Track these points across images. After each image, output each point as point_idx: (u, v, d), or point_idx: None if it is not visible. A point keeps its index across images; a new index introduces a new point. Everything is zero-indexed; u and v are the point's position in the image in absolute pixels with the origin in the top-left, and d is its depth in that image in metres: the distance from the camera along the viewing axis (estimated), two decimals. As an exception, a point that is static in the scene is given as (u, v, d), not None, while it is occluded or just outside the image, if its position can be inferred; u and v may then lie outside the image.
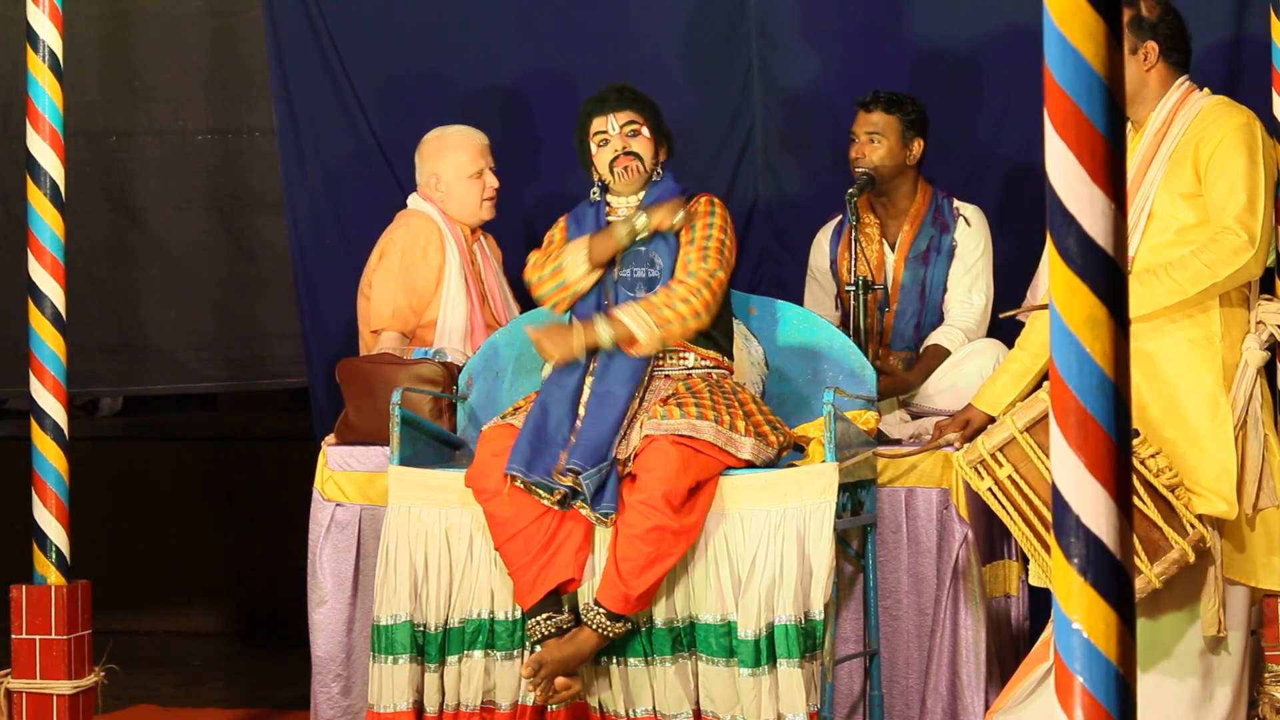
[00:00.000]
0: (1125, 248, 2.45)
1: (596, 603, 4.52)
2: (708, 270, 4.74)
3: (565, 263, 4.81)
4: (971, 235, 5.34)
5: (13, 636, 5.17)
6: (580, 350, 4.70)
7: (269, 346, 6.48)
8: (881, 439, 4.92)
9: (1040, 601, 4.79)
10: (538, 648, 4.56)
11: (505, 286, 5.62)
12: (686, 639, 4.58)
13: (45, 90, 5.14)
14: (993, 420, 4.63)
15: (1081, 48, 2.42)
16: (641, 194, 4.92)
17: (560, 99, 5.84)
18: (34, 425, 5.18)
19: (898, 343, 5.33)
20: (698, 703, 4.58)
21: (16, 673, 5.16)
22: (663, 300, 4.71)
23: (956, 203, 5.37)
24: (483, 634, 4.67)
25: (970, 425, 4.70)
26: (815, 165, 5.90)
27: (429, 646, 4.70)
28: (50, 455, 5.16)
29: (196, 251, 6.48)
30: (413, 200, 5.58)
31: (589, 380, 4.72)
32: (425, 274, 5.44)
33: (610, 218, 4.92)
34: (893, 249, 5.36)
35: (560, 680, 4.51)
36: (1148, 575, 4.24)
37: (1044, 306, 4.58)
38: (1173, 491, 4.30)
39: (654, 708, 4.59)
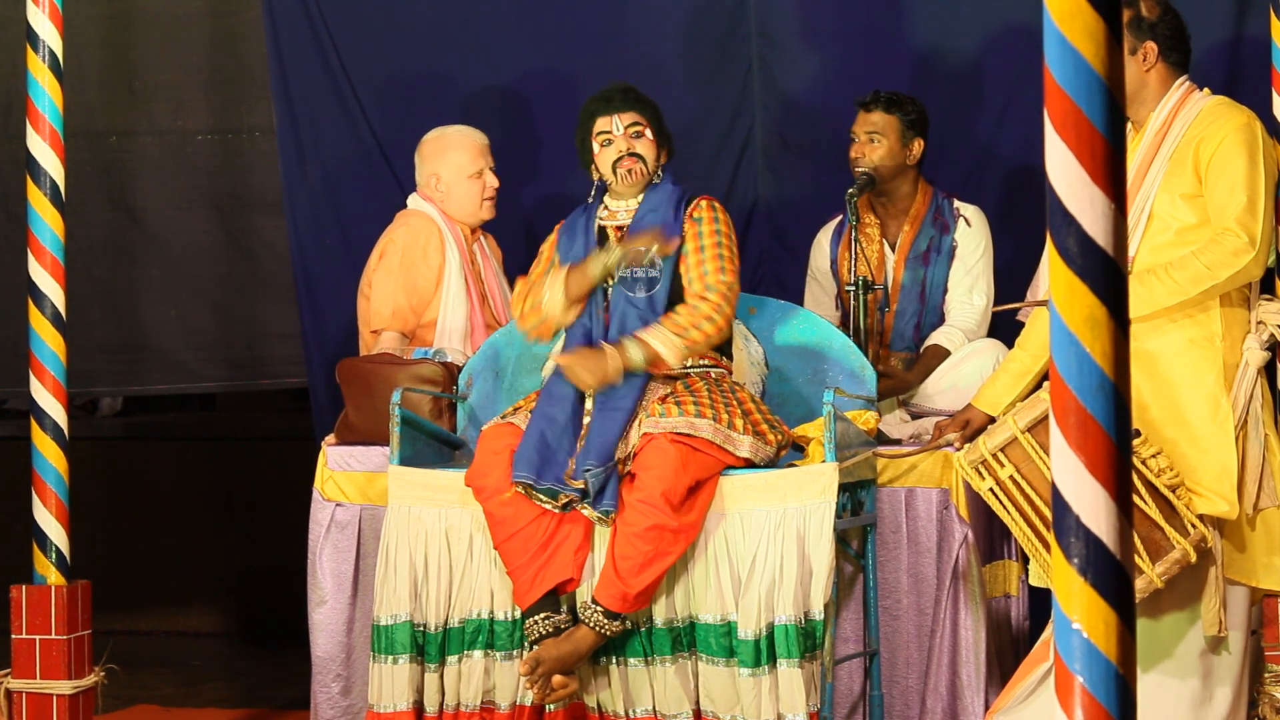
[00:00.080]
0: (1125, 248, 2.45)
1: (594, 601, 4.52)
2: (726, 284, 4.77)
3: (544, 299, 4.80)
4: (972, 236, 5.34)
5: (13, 636, 5.17)
6: (617, 376, 4.66)
7: (269, 346, 6.47)
8: (881, 439, 4.92)
9: (1040, 601, 4.79)
10: (536, 647, 4.56)
11: (505, 286, 5.62)
12: (686, 639, 4.58)
13: (45, 90, 5.14)
14: (993, 420, 4.63)
15: (1081, 48, 2.42)
16: (641, 196, 4.92)
17: (560, 99, 5.84)
18: (34, 425, 5.18)
19: (898, 343, 5.33)
20: (697, 703, 4.58)
21: (16, 673, 5.16)
22: (689, 321, 4.72)
23: (957, 203, 5.37)
24: (482, 634, 4.67)
25: (970, 425, 4.70)
26: (815, 165, 5.90)
27: (429, 646, 4.70)
28: (50, 455, 5.16)
29: (196, 251, 6.48)
30: (413, 200, 5.58)
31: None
32: (425, 274, 5.44)
33: (605, 222, 4.92)
34: (893, 249, 5.36)
35: (557, 678, 4.51)
36: (1149, 575, 4.24)
37: (1042, 303, 4.58)
38: (1174, 491, 4.30)
39: (654, 708, 4.59)
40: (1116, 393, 2.42)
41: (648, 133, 4.90)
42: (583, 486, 4.54)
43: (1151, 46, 4.50)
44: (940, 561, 4.74)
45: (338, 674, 5.04)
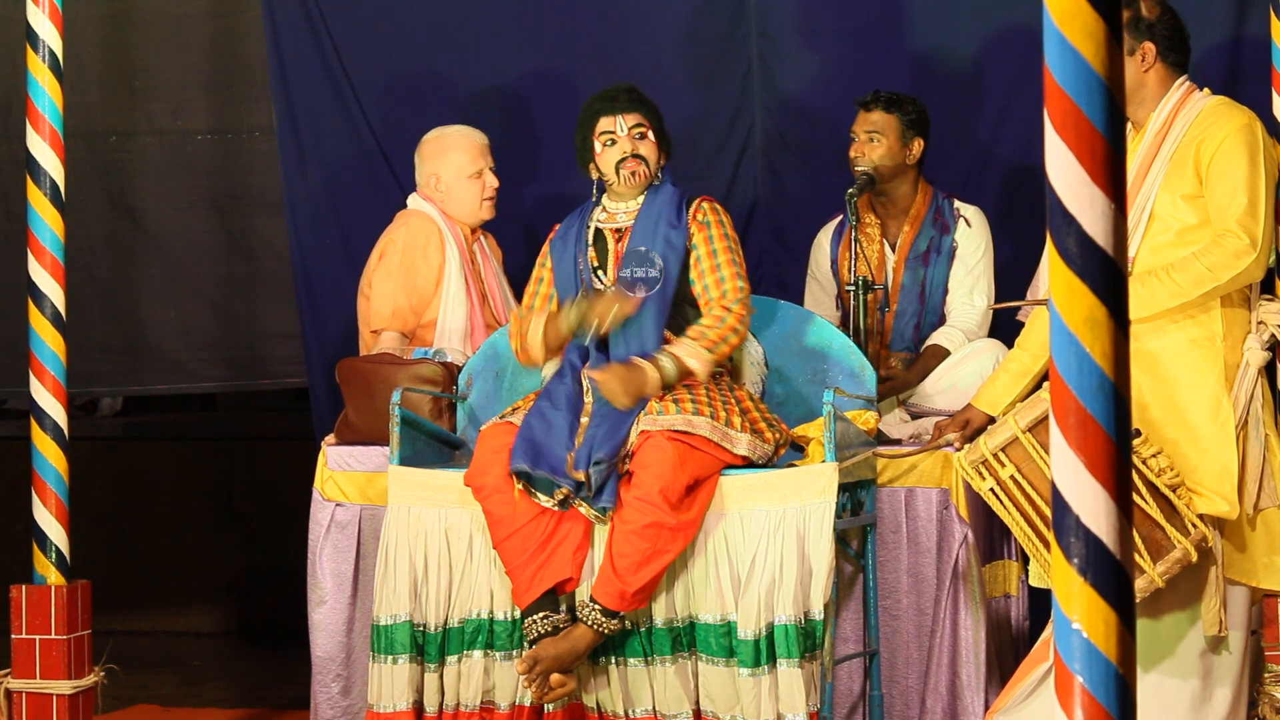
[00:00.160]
0: (1125, 248, 2.45)
1: (592, 599, 4.52)
2: (745, 291, 4.82)
3: (528, 342, 4.83)
4: (972, 236, 5.33)
5: (13, 636, 5.17)
6: (655, 392, 4.67)
7: (269, 346, 6.47)
8: (881, 439, 4.92)
9: (1040, 601, 4.79)
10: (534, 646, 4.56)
11: (505, 286, 5.62)
12: (686, 639, 4.58)
13: (45, 90, 5.14)
14: (992, 420, 4.63)
15: (1081, 48, 2.42)
16: (641, 198, 4.92)
17: (560, 99, 5.84)
18: (34, 425, 5.18)
19: (898, 343, 5.33)
20: (697, 703, 4.58)
21: (16, 673, 5.16)
22: (718, 335, 4.75)
23: (957, 204, 5.37)
24: (482, 634, 4.67)
25: (970, 425, 4.70)
26: (815, 165, 5.90)
27: (428, 646, 4.70)
28: (50, 455, 5.16)
29: (196, 251, 6.48)
30: (413, 200, 5.58)
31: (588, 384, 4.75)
32: (425, 274, 5.44)
33: (603, 224, 4.92)
34: (893, 249, 5.36)
35: (555, 677, 4.50)
36: (1150, 575, 4.24)
37: (1042, 302, 4.58)
38: (1174, 491, 4.30)
39: (654, 708, 4.59)
40: (1116, 393, 2.42)
41: (650, 134, 4.90)
42: (583, 478, 4.52)
43: (1150, 47, 4.50)
44: (940, 561, 4.74)
45: (338, 674, 5.04)
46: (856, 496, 4.71)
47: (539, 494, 4.57)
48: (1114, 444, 2.42)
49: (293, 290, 6.18)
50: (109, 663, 5.27)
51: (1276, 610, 4.59)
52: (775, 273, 5.94)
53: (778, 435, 4.71)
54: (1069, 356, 2.43)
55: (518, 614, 4.63)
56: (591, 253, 4.90)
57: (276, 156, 6.17)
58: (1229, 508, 4.40)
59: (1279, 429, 4.52)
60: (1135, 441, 4.24)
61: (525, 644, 4.60)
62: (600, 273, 4.89)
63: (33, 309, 5.16)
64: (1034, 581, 4.70)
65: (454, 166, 5.51)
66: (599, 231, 4.93)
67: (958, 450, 4.62)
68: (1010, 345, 4.82)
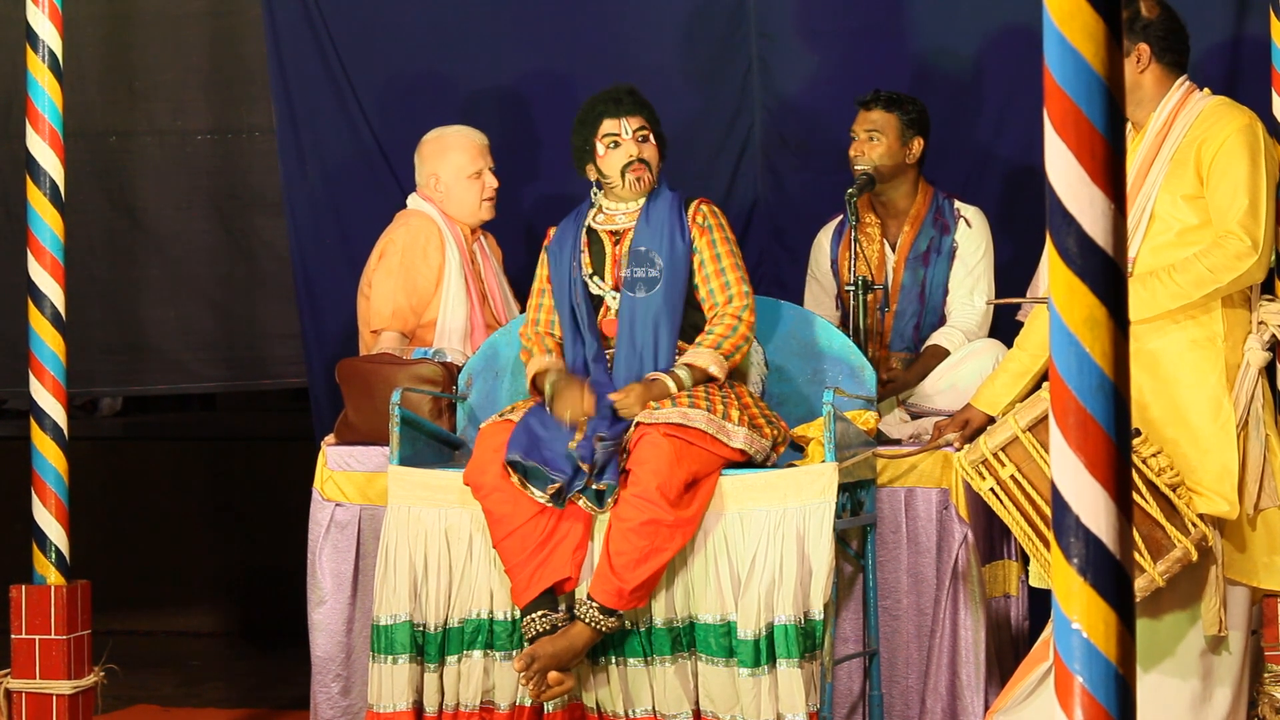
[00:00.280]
0: (1125, 248, 2.45)
1: (590, 597, 4.52)
2: (750, 296, 4.84)
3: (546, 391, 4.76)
4: (972, 237, 5.33)
5: (12, 636, 5.17)
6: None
7: (269, 346, 6.47)
8: (881, 439, 4.92)
9: (1040, 601, 4.79)
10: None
11: (505, 286, 5.62)
12: (686, 639, 4.58)
13: (45, 90, 5.14)
14: (992, 420, 4.63)
15: (1081, 48, 2.42)
16: (641, 200, 4.92)
17: (560, 99, 5.84)
18: (34, 425, 5.18)
19: (897, 343, 5.33)
20: (697, 703, 4.58)
21: (16, 673, 5.16)
22: (730, 344, 4.78)
23: (957, 204, 5.37)
24: (482, 634, 4.67)
25: (970, 425, 4.70)
26: (815, 165, 5.90)
27: (428, 646, 4.70)
28: (50, 455, 5.16)
29: (196, 251, 6.48)
30: (412, 200, 5.58)
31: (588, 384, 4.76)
32: (425, 274, 5.44)
33: (601, 226, 4.92)
34: (893, 249, 5.36)
35: (553, 675, 4.50)
36: (1151, 574, 4.24)
37: (1042, 300, 4.58)
38: (1174, 490, 4.30)
39: (653, 708, 4.59)
40: (1116, 393, 2.42)
41: (652, 137, 4.90)
42: (586, 468, 4.51)
43: (1144, 48, 4.49)
44: (940, 561, 4.74)
45: (337, 674, 5.04)
46: (856, 496, 4.71)
47: (532, 488, 4.56)
48: (1114, 444, 2.42)
49: (293, 290, 6.18)
50: (109, 663, 5.27)
51: (1276, 610, 4.59)
52: (775, 273, 5.94)
53: (776, 432, 4.71)
54: (1069, 356, 2.43)
55: (517, 614, 4.63)
56: (586, 258, 4.90)
57: (276, 156, 6.18)
58: (1229, 508, 4.40)
59: (1279, 429, 4.53)
60: (1135, 441, 4.24)
61: (524, 643, 4.59)
62: (596, 278, 4.89)
63: (32, 309, 5.16)
64: (1034, 581, 4.70)
65: (454, 166, 5.51)
66: (594, 234, 4.93)
67: (957, 450, 4.62)
68: (1010, 345, 4.82)
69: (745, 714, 4.48)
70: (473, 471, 4.64)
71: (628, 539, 4.48)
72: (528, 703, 4.62)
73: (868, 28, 5.88)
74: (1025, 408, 4.38)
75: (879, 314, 5.31)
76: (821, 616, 4.49)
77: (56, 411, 5.16)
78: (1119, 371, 2.43)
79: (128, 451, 7.99)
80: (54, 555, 5.16)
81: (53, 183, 5.15)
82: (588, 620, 4.51)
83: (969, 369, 5.10)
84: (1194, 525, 4.29)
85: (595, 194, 4.97)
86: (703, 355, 4.74)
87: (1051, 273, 2.45)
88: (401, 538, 4.73)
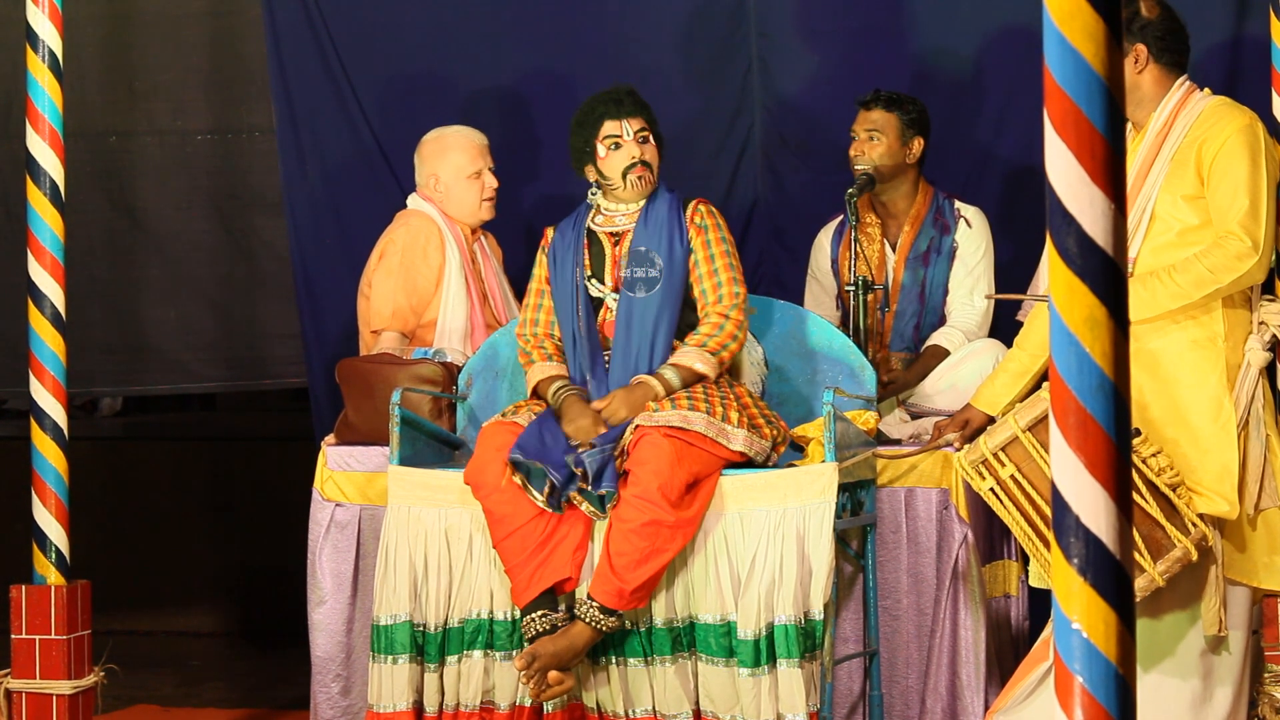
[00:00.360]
0: (1125, 248, 2.45)
1: (590, 597, 4.52)
2: (741, 295, 4.84)
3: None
4: (972, 237, 5.33)
5: (12, 636, 5.17)
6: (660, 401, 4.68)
7: (269, 346, 6.47)
8: (881, 439, 4.92)
9: (1040, 601, 4.79)
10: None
11: (505, 286, 5.62)
12: (686, 639, 4.58)
13: (45, 90, 5.14)
14: (992, 420, 4.63)
15: (1081, 48, 2.42)
16: (641, 201, 4.92)
17: (560, 99, 5.84)
18: (34, 425, 5.18)
19: (898, 343, 5.33)
20: (697, 703, 4.58)
21: (16, 673, 5.16)
22: (717, 343, 4.77)
23: (958, 204, 5.37)
24: (482, 634, 4.67)
25: (969, 425, 4.70)
26: (815, 165, 5.90)
27: (428, 646, 4.70)
28: (50, 455, 5.16)
29: (196, 251, 6.48)
30: (412, 200, 5.58)
31: (589, 383, 4.76)
32: (425, 274, 5.44)
33: (601, 228, 4.92)
34: (893, 249, 5.36)
35: (553, 674, 4.50)
36: (1151, 574, 4.24)
37: (1043, 298, 4.57)
38: (1174, 490, 4.30)
39: (653, 708, 4.59)
40: (1116, 393, 2.42)
41: (651, 138, 4.90)
42: (575, 470, 4.51)
43: (1142, 49, 4.49)
44: (940, 561, 4.74)
45: (337, 674, 5.04)
46: (856, 496, 4.71)
47: (532, 489, 4.56)
48: (1114, 444, 2.42)
49: (293, 290, 6.18)
50: (109, 663, 5.27)
51: (1276, 610, 4.59)
52: (775, 273, 5.94)
53: (776, 432, 4.71)
54: (1069, 356, 2.43)
55: (517, 614, 4.63)
56: (586, 259, 4.90)
57: (276, 156, 6.18)
58: (1229, 508, 4.39)
59: (1279, 429, 4.52)
60: (1135, 441, 4.24)
61: (524, 643, 4.59)
62: (595, 281, 4.88)
63: (32, 309, 5.16)
64: (1034, 581, 4.70)
65: (453, 167, 5.51)
66: (594, 236, 4.93)
67: (957, 450, 4.62)
68: (1010, 345, 4.82)
69: (745, 714, 4.48)
70: (473, 471, 4.64)
71: (629, 539, 4.48)
72: (528, 703, 4.62)
73: (868, 28, 5.88)
74: (1025, 408, 4.38)
75: (879, 314, 5.31)
76: (821, 616, 4.49)
77: (56, 411, 5.16)
78: (1119, 371, 2.42)
79: (128, 451, 7.99)
80: (54, 555, 5.16)
81: (53, 183, 5.15)
82: (588, 620, 4.51)
83: (969, 369, 5.10)
84: (1194, 525, 4.29)
85: (594, 195, 4.97)
86: (688, 354, 4.74)
87: (1051, 273, 2.45)
88: (401, 538, 4.73)
